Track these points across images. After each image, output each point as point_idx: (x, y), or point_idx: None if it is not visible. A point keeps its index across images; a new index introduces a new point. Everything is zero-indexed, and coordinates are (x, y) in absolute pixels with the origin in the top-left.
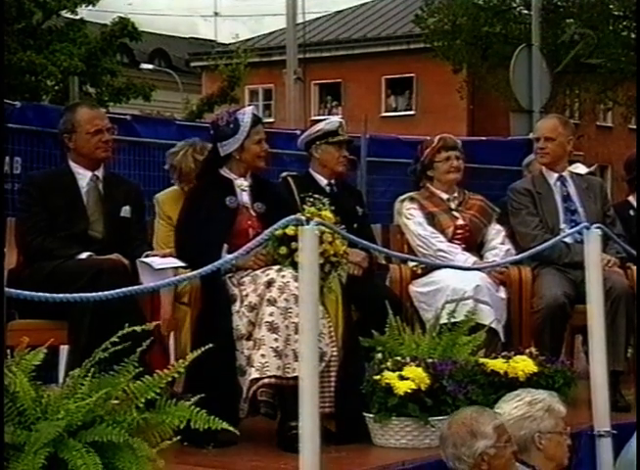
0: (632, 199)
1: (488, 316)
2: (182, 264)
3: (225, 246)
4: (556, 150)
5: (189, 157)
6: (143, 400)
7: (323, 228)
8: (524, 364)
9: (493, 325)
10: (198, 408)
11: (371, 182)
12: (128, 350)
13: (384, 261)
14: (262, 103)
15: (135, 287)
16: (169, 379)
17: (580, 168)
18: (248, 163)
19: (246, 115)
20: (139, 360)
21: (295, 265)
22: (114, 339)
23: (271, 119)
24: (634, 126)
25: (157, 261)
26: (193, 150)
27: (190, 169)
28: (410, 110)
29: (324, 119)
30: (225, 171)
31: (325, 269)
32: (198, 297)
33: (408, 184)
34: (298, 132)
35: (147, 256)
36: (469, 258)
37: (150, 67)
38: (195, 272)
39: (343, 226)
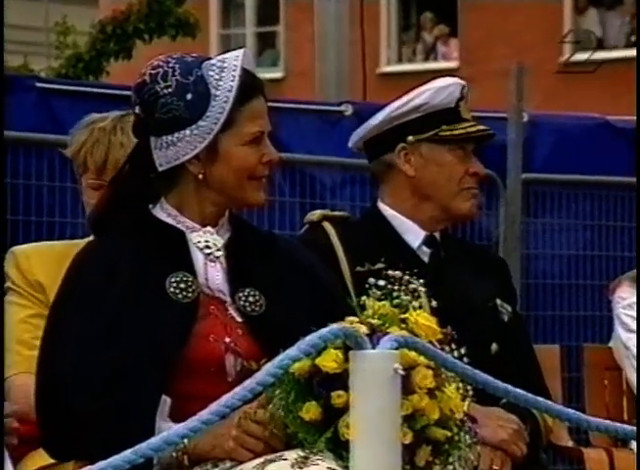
0: None
1: None
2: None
3: (166, 400)
4: None
5: (117, 132)
6: None
7: (413, 355)
8: None
9: None
10: None
11: (534, 236)
12: None
13: (570, 442)
14: (254, 30)
15: None
16: None
17: None
18: (224, 190)
19: (226, 69)
20: None
21: (339, 450)
22: None
23: (278, 74)
24: None
25: None
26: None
27: (113, 159)
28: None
29: (422, 82)
30: (167, 212)
31: (417, 461)
32: None
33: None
34: (349, 110)
35: None
36: None
37: None
38: (97, 466)
39: (463, 350)
